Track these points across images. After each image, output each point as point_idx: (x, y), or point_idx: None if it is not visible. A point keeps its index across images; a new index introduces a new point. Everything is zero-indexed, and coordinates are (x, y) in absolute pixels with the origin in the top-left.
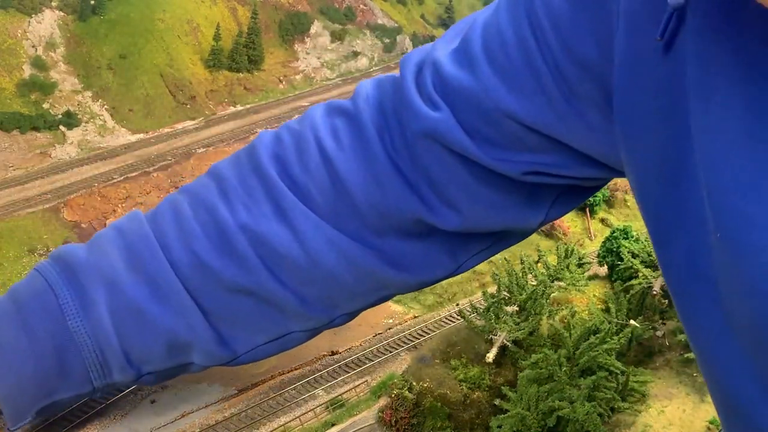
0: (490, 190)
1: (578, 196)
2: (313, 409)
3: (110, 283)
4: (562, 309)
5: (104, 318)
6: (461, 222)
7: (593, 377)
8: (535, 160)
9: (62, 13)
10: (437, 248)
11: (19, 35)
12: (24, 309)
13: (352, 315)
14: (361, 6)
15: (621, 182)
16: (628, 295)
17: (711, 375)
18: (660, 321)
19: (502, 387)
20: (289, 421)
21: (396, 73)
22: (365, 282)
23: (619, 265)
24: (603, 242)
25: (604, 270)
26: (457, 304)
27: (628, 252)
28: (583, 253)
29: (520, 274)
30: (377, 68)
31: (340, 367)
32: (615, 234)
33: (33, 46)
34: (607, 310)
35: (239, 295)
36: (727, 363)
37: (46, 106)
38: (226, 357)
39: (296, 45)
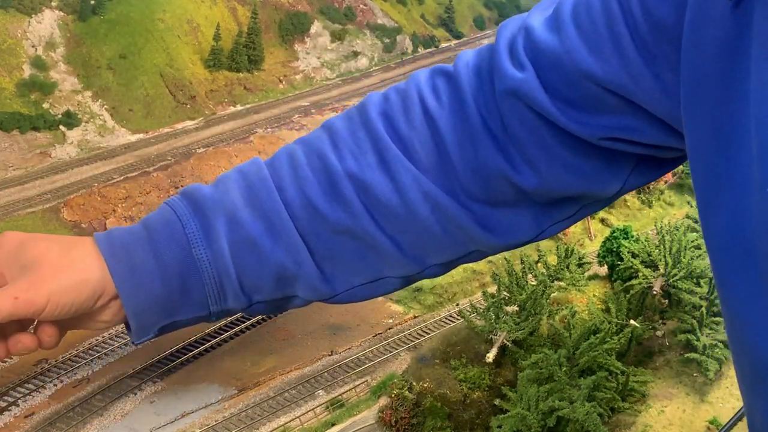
0: (569, 152)
1: (656, 167)
2: (313, 409)
3: (230, 218)
4: (562, 309)
5: (224, 249)
6: (539, 182)
7: (593, 377)
8: (611, 123)
9: (62, 13)
10: (522, 214)
11: (19, 35)
12: (154, 236)
13: (442, 267)
14: (361, 6)
15: None
16: (628, 295)
17: (741, 340)
18: (660, 321)
19: (502, 387)
20: (289, 421)
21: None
22: (454, 235)
23: (619, 265)
24: (603, 242)
25: (604, 270)
26: (457, 304)
27: (628, 252)
28: (583, 253)
29: (520, 274)
30: (377, 68)
31: (340, 367)
32: (615, 234)
33: (33, 46)
34: (607, 310)
35: (343, 236)
36: (759, 326)
37: (46, 106)
38: (327, 293)
39: (296, 45)
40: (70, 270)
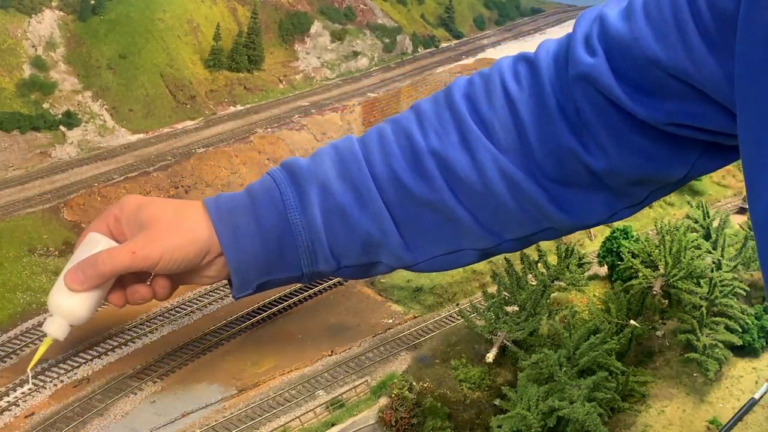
0: (637, 135)
1: (722, 155)
2: (313, 409)
3: (323, 188)
4: (562, 309)
5: (317, 216)
6: (608, 164)
7: (593, 377)
8: (676, 109)
9: (62, 13)
10: (594, 196)
11: (19, 35)
12: (256, 202)
13: (518, 243)
14: (361, 6)
15: None
16: (628, 295)
17: None
18: (660, 321)
19: (502, 387)
20: (289, 421)
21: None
22: (529, 212)
23: (619, 265)
24: (603, 242)
25: (604, 270)
26: (457, 304)
27: (628, 252)
28: (583, 253)
29: (520, 274)
30: (377, 68)
31: (340, 367)
32: (615, 234)
33: (33, 46)
34: (607, 310)
35: (425, 209)
36: None
37: (46, 106)
38: (409, 262)
39: (296, 45)
40: (181, 230)
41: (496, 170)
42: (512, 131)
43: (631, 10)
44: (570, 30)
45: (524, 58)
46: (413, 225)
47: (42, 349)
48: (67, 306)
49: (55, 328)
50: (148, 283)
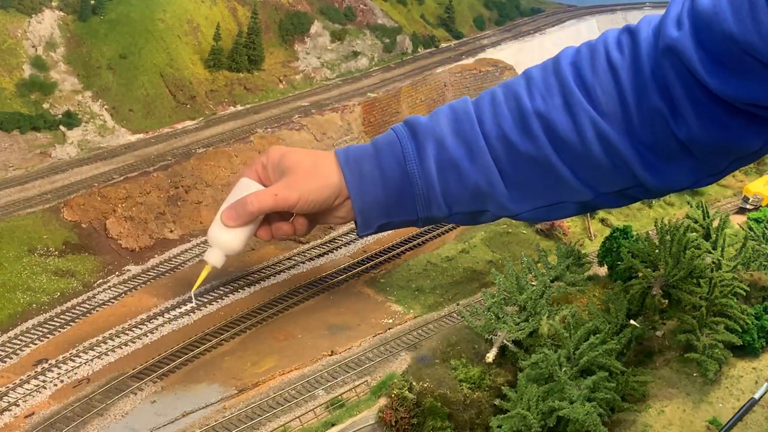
0: (715, 107)
1: None
2: (313, 409)
3: (438, 143)
4: (562, 309)
5: (432, 167)
6: (689, 132)
7: (593, 377)
8: (750, 89)
9: (62, 13)
10: (680, 163)
11: (19, 35)
12: (380, 152)
13: (613, 197)
14: (361, 6)
15: None
16: (628, 295)
17: None
18: (660, 321)
19: (502, 387)
20: (289, 421)
21: None
22: (621, 171)
23: (619, 265)
24: (603, 242)
25: (604, 270)
26: (457, 304)
27: (628, 252)
28: (583, 253)
29: (520, 274)
30: (377, 68)
31: (340, 367)
32: (615, 234)
33: (33, 46)
34: (607, 310)
35: (529, 164)
36: None
37: (46, 106)
38: (513, 211)
39: (296, 45)
40: (316, 176)
41: (594, 132)
42: (613, 96)
43: None
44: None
45: (628, 30)
46: (518, 179)
47: (203, 274)
48: (223, 239)
49: (214, 257)
50: (291, 221)
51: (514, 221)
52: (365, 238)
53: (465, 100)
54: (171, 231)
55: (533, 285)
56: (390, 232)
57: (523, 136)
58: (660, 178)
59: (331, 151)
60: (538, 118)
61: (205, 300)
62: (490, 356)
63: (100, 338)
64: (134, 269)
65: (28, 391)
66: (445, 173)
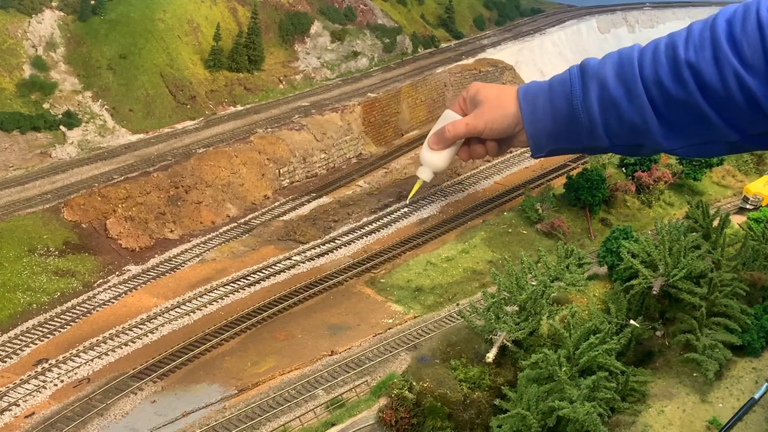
0: None
1: None
2: (313, 409)
3: (602, 83)
4: (562, 309)
5: (594, 104)
6: None
7: (593, 377)
8: None
9: (62, 13)
10: None
11: (20, 35)
12: (553, 89)
13: (756, 138)
14: (361, 6)
15: (621, 182)
16: (628, 295)
17: None
18: (660, 321)
19: (502, 387)
20: (289, 421)
21: None
22: (756, 114)
23: (619, 265)
24: (603, 242)
25: (604, 270)
26: (457, 304)
27: (628, 252)
28: (583, 253)
29: (520, 274)
30: (377, 68)
31: (340, 367)
32: (615, 234)
33: (33, 46)
34: (607, 310)
35: (681, 106)
36: None
37: (46, 106)
38: (666, 148)
39: (296, 45)
40: (499, 108)
41: (736, 83)
42: (758, 51)
43: None
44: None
45: None
46: (671, 119)
47: (416, 186)
48: (430, 159)
49: (424, 173)
50: (484, 144)
51: (513, 221)
52: (365, 238)
53: (633, 46)
54: (171, 231)
55: (533, 285)
56: (390, 231)
57: (676, 83)
58: None
59: (514, 86)
60: (689, 67)
61: (205, 300)
62: (490, 356)
63: (100, 338)
64: (134, 269)
65: (29, 391)
66: (605, 111)
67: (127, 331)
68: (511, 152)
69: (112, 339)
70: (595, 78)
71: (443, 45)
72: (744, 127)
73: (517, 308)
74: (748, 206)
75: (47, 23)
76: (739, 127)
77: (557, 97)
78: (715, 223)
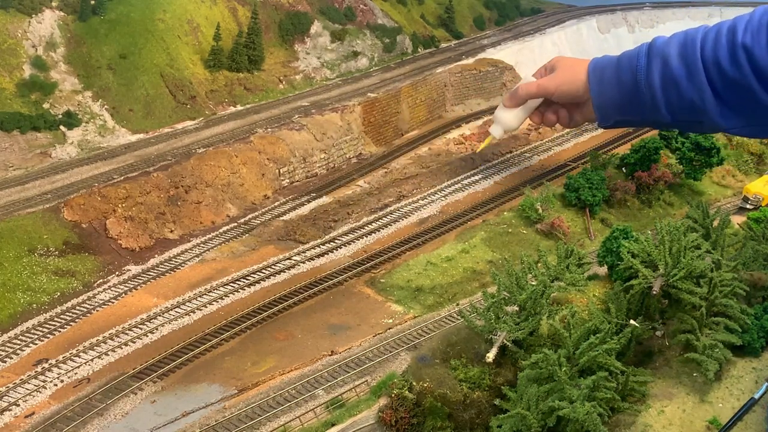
0: None
1: None
2: (313, 409)
3: (665, 62)
4: (562, 309)
5: (656, 81)
6: None
7: (593, 377)
8: None
9: (62, 13)
10: None
11: (20, 35)
12: (620, 63)
13: None
14: (361, 6)
15: (621, 182)
16: (628, 295)
17: None
18: (660, 321)
19: (502, 387)
20: (289, 421)
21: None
22: None
23: (619, 265)
24: (603, 242)
25: (604, 270)
26: (457, 304)
27: (628, 252)
28: (583, 253)
29: (520, 274)
30: (377, 68)
31: (340, 367)
32: (615, 234)
33: (33, 46)
34: (607, 310)
35: (735, 88)
36: None
37: (46, 106)
38: (723, 127)
39: (296, 45)
40: (571, 74)
41: None
42: None
43: None
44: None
45: None
46: (728, 99)
47: (487, 141)
48: (503, 117)
49: (496, 130)
50: (557, 113)
51: (513, 221)
52: (365, 238)
53: (698, 28)
54: (171, 231)
55: (533, 285)
56: (390, 231)
57: (732, 65)
58: None
59: (586, 59)
60: (744, 50)
61: (205, 300)
62: (490, 356)
63: (100, 338)
64: (134, 269)
65: (29, 391)
66: (667, 87)
67: (127, 331)
68: (510, 152)
69: (112, 339)
70: (659, 56)
71: (443, 45)
72: None
73: (517, 308)
74: (748, 206)
75: (47, 23)
76: None
77: (624, 71)
78: (715, 223)
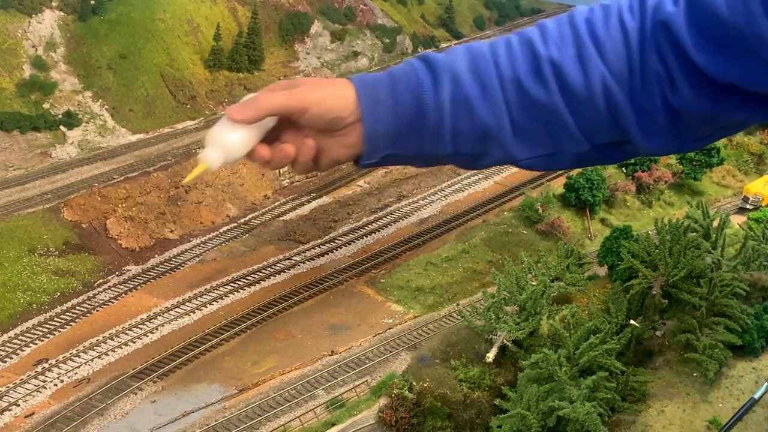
0: (709, 80)
1: None
2: (313, 409)
3: (455, 78)
4: (562, 309)
5: (446, 101)
6: (682, 102)
7: (593, 377)
8: (735, 70)
9: (62, 13)
10: (667, 126)
11: (20, 35)
12: (395, 80)
13: (604, 150)
14: (361, 6)
15: (621, 182)
16: (628, 295)
17: None
18: (660, 321)
19: (502, 387)
20: (289, 421)
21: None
22: (618, 124)
23: (619, 265)
24: (603, 242)
25: (604, 270)
26: (457, 304)
27: (628, 252)
28: (583, 253)
29: (520, 274)
30: (377, 68)
31: (340, 367)
32: (615, 234)
33: (33, 46)
34: (607, 310)
35: (537, 110)
36: None
37: (46, 106)
38: (515, 157)
39: (296, 45)
40: (333, 87)
41: (602, 86)
42: (622, 56)
43: None
44: None
45: None
46: (525, 124)
47: (198, 170)
48: (226, 138)
49: (213, 156)
50: (296, 146)
51: (513, 221)
52: (365, 238)
53: (480, 42)
54: (171, 231)
55: (533, 285)
56: (390, 231)
57: (536, 81)
58: (650, 140)
59: (342, 78)
60: (551, 65)
61: (205, 300)
62: (490, 356)
63: (100, 338)
64: (134, 269)
65: (29, 391)
66: (457, 109)
67: (127, 331)
68: None
69: (112, 339)
70: (448, 72)
71: (443, 45)
72: (596, 135)
73: (517, 308)
74: (748, 206)
75: (47, 23)
76: (592, 135)
77: (402, 90)
78: (715, 223)
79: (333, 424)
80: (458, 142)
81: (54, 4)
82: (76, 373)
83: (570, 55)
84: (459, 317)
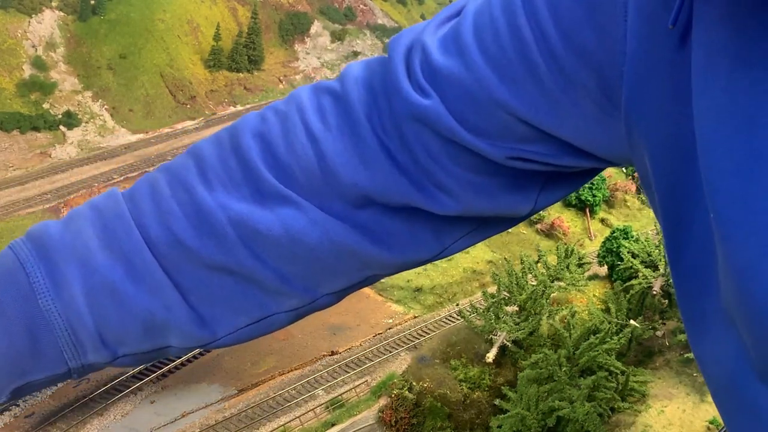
0: (476, 174)
1: (567, 183)
2: (313, 409)
3: (84, 262)
4: (562, 309)
5: (77, 297)
6: (456, 206)
7: (593, 377)
8: (521, 147)
9: (62, 13)
10: (422, 228)
11: (19, 35)
12: None
13: (337, 296)
14: (361, 6)
15: (621, 182)
16: (628, 295)
17: (707, 371)
18: (660, 321)
19: (502, 387)
20: (289, 421)
21: (384, 55)
22: (347, 261)
23: (619, 265)
24: (603, 242)
25: (604, 270)
26: (457, 304)
27: (628, 252)
28: (583, 253)
29: (520, 274)
30: None
31: (340, 367)
32: (615, 234)
33: (33, 46)
34: (607, 310)
35: (219, 273)
36: (722, 354)
37: (46, 106)
38: (206, 339)
39: (296, 45)
40: None
41: (302, 221)
42: (318, 176)
43: (460, 44)
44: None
45: (328, 90)
46: (207, 294)
47: None
48: None
49: None
50: None
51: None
52: None
53: (113, 194)
54: None
55: (533, 285)
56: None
57: (204, 238)
58: (398, 251)
59: None
60: (223, 212)
61: None
62: (490, 356)
63: None
64: None
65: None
66: (99, 304)
67: None
68: None
69: None
70: (72, 255)
71: None
72: (317, 283)
73: (517, 308)
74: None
75: (47, 23)
76: (310, 284)
77: (8, 297)
78: None
79: (333, 424)
80: (117, 344)
81: (54, 4)
82: None
83: (245, 194)
84: (459, 317)
